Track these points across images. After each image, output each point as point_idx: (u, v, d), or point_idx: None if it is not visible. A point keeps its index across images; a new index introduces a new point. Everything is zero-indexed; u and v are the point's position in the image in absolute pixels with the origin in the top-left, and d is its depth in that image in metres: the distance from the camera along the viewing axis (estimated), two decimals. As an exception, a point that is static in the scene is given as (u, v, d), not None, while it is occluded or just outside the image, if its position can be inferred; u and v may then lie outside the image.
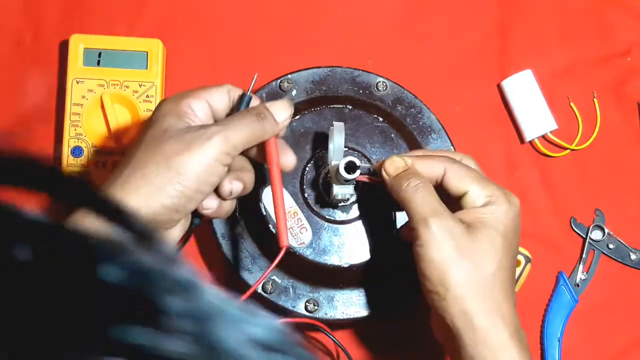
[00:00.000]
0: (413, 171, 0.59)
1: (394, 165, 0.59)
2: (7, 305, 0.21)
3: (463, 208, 0.57)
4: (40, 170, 0.25)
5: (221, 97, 0.58)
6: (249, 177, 0.59)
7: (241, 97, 0.59)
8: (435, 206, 0.56)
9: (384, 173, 0.60)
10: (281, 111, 0.58)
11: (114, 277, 0.23)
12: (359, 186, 0.66)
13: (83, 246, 0.24)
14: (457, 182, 0.58)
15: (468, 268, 0.54)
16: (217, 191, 0.57)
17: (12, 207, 0.24)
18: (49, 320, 0.21)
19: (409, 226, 0.58)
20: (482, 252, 0.55)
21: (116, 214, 0.26)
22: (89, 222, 0.25)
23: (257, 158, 0.60)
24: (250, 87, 0.59)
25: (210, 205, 0.57)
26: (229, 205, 0.59)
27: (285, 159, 0.60)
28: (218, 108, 0.58)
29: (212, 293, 0.25)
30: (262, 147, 0.58)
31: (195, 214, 0.58)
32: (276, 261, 0.56)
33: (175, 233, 0.56)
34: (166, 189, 0.53)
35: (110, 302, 0.22)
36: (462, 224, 0.56)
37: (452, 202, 0.58)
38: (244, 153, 0.58)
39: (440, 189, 0.59)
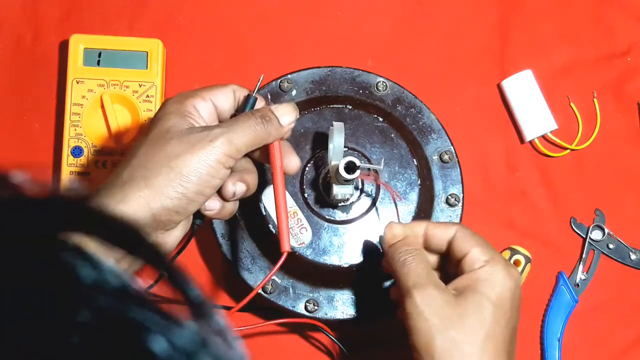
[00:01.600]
0: (408, 240, 0.59)
1: (391, 233, 0.60)
2: None
3: (461, 270, 0.57)
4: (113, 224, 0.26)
5: (226, 98, 0.58)
6: (252, 178, 0.58)
7: (246, 98, 0.58)
8: (421, 276, 0.56)
9: (383, 239, 0.61)
10: (286, 114, 0.57)
11: (161, 350, 0.23)
12: (358, 186, 0.66)
13: (141, 315, 0.24)
14: (464, 243, 0.57)
15: (453, 337, 0.53)
16: (220, 192, 0.57)
17: (84, 262, 0.24)
18: None
19: (397, 296, 0.58)
20: (469, 320, 0.54)
21: (176, 282, 0.26)
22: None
23: (261, 159, 0.60)
24: (256, 89, 0.58)
25: (213, 206, 0.56)
26: (232, 207, 0.58)
27: (289, 162, 0.59)
28: (223, 109, 0.58)
29: None
30: (265, 149, 0.58)
31: (197, 215, 0.57)
32: (277, 266, 0.57)
33: (176, 234, 0.56)
34: (167, 191, 0.52)
35: None
36: (448, 292, 0.55)
37: (453, 266, 0.59)
38: (247, 154, 0.58)
39: (447, 256, 0.59)
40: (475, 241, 0.57)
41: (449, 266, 0.60)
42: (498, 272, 0.56)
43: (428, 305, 0.54)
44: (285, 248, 0.57)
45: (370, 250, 0.66)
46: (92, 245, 0.25)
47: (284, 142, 0.60)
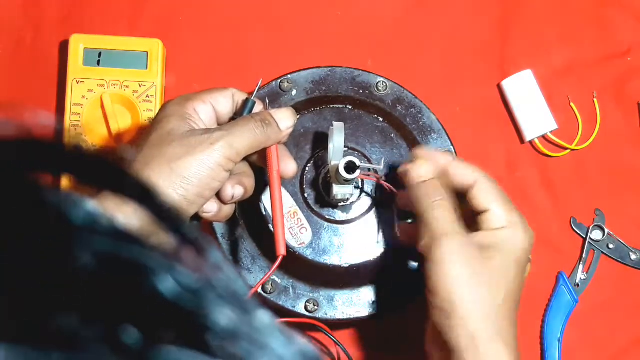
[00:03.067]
0: (437, 183, 0.58)
1: (419, 171, 0.59)
2: (64, 306, 0.21)
3: (480, 225, 0.57)
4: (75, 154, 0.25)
5: (225, 101, 0.58)
6: (250, 181, 0.59)
7: (245, 102, 0.59)
8: (453, 225, 0.56)
9: (410, 174, 0.59)
10: (285, 119, 0.58)
11: (168, 290, 0.23)
12: (358, 186, 0.66)
13: (143, 256, 0.23)
14: (484, 198, 0.57)
15: (479, 291, 0.54)
16: (218, 195, 0.57)
17: (71, 202, 0.23)
18: (97, 320, 0.21)
19: (422, 240, 0.57)
20: (495, 278, 0.55)
21: (164, 213, 0.26)
22: (124, 211, 0.25)
23: (258, 163, 0.60)
24: (255, 93, 0.59)
25: (211, 209, 0.57)
26: (229, 210, 0.59)
27: (286, 166, 0.60)
28: (222, 112, 0.58)
29: (261, 314, 0.25)
30: (263, 152, 0.59)
31: (194, 217, 0.58)
32: (272, 270, 0.57)
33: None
34: (168, 193, 0.53)
35: (163, 317, 0.22)
36: (477, 245, 0.55)
37: (470, 214, 0.58)
38: (245, 157, 0.59)
39: (461, 200, 0.58)
40: (496, 197, 0.57)
41: (464, 208, 0.59)
42: (519, 233, 0.57)
43: (460, 255, 0.54)
44: (281, 252, 0.57)
45: (370, 250, 0.66)
46: (70, 187, 0.25)
47: (281, 146, 0.60)
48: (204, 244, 0.26)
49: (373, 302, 0.67)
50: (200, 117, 0.57)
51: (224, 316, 0.23)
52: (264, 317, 0.25)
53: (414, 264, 0.66)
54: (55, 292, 0.21)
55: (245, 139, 0.55)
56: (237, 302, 0.24)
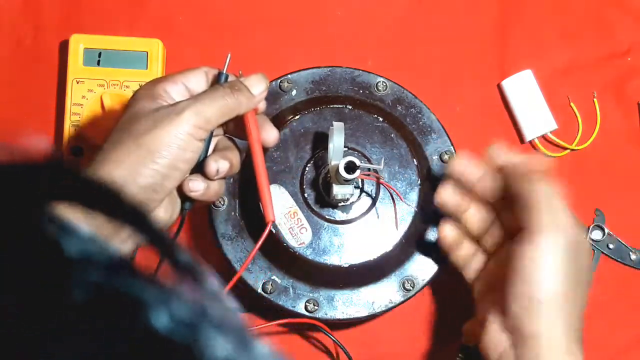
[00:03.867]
0: (539, 161, 0.59)
1: (511, 155, 0.59)
2: (59, 345, 0.21)
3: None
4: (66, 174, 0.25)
5: (198, 79, 0.57)
6: (235, 156, 0.58)
7: (217, 77, 0.58)
8: (569, 219, 0.56)
9: (501, 154, 0.59)
10: (256, 84, 0.57)
11: (163, 325, 0.22)
12: (358, 186, 0.66)
13: (136, 290, 0.23)
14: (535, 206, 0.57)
15: (570, 287, 0.55)
16: (203, 172, 0.56)
17: (66, 231, 0.23)
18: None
19: (521, 223, 0.56)
20: (581, 277, 0.57)
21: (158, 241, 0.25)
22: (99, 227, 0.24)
23: (239, 134, 0.59)
24: (225, 65, 0.58)
25: (197, 187, 0.56)
26: (217, 187, 0.57)
27: (266, 134, 0.59)
28: (195, 90, 0.57)
29: (260, 346, 0.24)
30: (241, 123, 0.57)
31: (184, 198, 0.57)
32: (262, 237, 0.56)
33: (159, 215, 0.55)
34: (139, 169, 0.52)
35: (158, 353, 0.22)
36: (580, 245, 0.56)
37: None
38: (225, 131, 0.58)
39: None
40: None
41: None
42: (584, 240, 0.58)
43: (569, 254, 0.55)
44: (270, 217, 0.56)
45: (370, 249, 0.66)
46: (67, 213, 0.24)
47: (261, 115, 0.59)
48: (200, 272, 0.25)
49: (373, 302, 0.67)
50: (172, 97, 0.56)
51: (220, 349, 0.23)
52: (262, 349, 0.24)
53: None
54: (48, 328, 0.21)
55: (215, 106, 0.54)
56: (234, 333, 0.24)
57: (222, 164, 0.56)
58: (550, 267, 0.54)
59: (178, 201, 0.57)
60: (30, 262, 0.22)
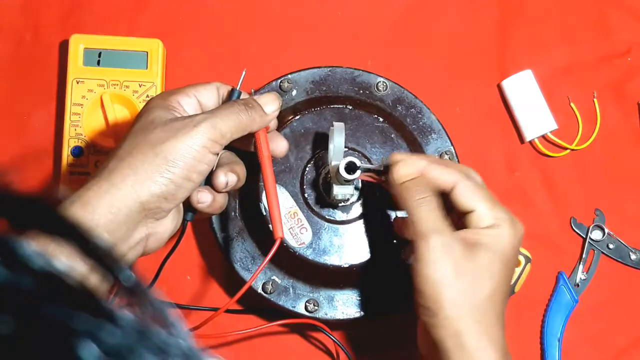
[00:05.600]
0: (421, 181, 0.58)
1: (403, 171, 0.58)
2: None
3: (467, 225, 0.57)
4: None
5: (210, 94, 0.58)
6: (241, 169, 0.59)
7: (230, 93, 0.59)
8: (438, 222, 0.56)
9: (392, 175, 0.59)
10: (270, 103, 0.58)
11: (92, 356, 0.21)
12: (359, 186, 0.66)
13: (66, 318, 0.22)
14: (467, 198, 0.57)
15: (464, 289, 0.54)
16: (211, 184, 0.57)
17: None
18: None
19: (410, 238, 0.57)
20: (480, 275, 0.54)
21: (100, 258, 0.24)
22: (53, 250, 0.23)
23: (247, 149, 0.61)
24: (240, 83, 0.59)
25: (205, 199, 0.57)
26: (222, 200, 0.58)
27: (277, 146, 0.60)
28: (207, 104, 0.58)
29: None
30: (251, 138, 0.59)
31: (189, 209, 0.58)
32: (271, 253, 0.56)
33: (166, 224, 0.55)
34: (154, 177, 0.52)
35: None
36: (462, 243, 0.55)
37: (456, 215, 0.58)
38: (234, 146, 0.59)
39: (446, 199, 0.58)
40: (479, 196, 0.57)
41: (449, 208, 0.59)
42: (506, 230, 0.56)
43: (444, 254, 0.54)
44: (279, 234, 0.57)
45: (370, 250, 0.66)
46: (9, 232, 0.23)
47: (273, 132, 0.61)
48: (144, 291, 0.25)
49: (373, 302, 0.67)
50: (185, 109, 0.57)
51: None
52: None
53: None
54: None
55: (230, 121, 0.55)
56: (179, 355, 0.23)
57: (230, 178, 0.57)
58: (431, 274, 0.54)
59: (182, 211, 0.58)
60: None
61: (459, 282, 0.54)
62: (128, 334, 0.23)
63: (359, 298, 0.67)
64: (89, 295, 0.23)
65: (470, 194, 0.57)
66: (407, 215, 0.57)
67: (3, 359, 0.21)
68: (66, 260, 0.23)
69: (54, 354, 0.21)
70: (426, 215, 0.56)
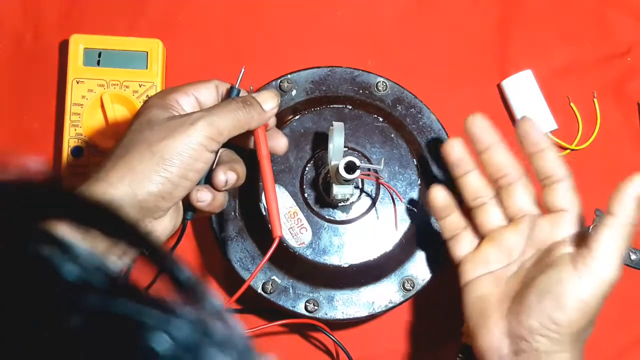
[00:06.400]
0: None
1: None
2: None
3: (552, 227, 0.59)
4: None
5: (209, 92, 0.58)
6: (241, 167, 0.59)
7: (229, 90, 0.59)
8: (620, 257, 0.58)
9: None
10: (268, 100, 0.58)
11: (164, 348, 0.22)
12: (358, 186, 0.66)
13: (137, 313, 0.23)
14: (569, 196, 0.60)
15: (588, 326, 0.57)
16: (211, 183, 0.57)
17: (63, 253, 0.22)
18: None
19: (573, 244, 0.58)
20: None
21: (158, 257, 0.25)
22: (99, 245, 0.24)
23: (247, 147, 0.61)
24: (238, 80, 0.59)
25: (204, 197, 0.56)
26: (222, 199, 0.58)
27: (277, 143, 0.60)
28: (205, 102, 0.58)
29: None
30: (250, 136, 0.58)
31: (188, 207, 0.57)
32: (270, 252, 0.56)
33: (164, 222, 0.55)
34: (151, 176, 0.52)
35: None
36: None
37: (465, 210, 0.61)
38: (233, 144, 0.58)
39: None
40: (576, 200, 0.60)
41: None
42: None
43: (605, 291, 0.57)
44: (277, 233, 0.56)
45: (370, 250, 0.66)
46: (65, 231, 0.24)
47: (273, 128, 0.61)
48: (201, 289, 0.25)
49: (373, 302, 0.67)
50: (183, 108, 0.56)
51: None
52: None
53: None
54: (46, 355, 0.21)
55: (227, 118, 0.55)
56: (237, 353, 0.24)
57: (230, 176, 0.57)
58: (590, 302, 0.55)
59: (181, 210, 0.57)
60: (27, 286, 0.22)
61: (594, 315, 0.56)
62: (194, 329, 0.23)
63: (359, 298, 0.67)
64: (152, 292, 0.24)
65: (572, 193, 0.59)
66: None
67: (81, 353, 0.21)
68: (116, 258, 0.24)
69: (129, 347, 0.22)
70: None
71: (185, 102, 0.57)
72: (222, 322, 0.25)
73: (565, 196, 0.58)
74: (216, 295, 0.25)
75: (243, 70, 0.60)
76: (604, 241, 0.55)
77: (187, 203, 0.57)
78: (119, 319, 0.22)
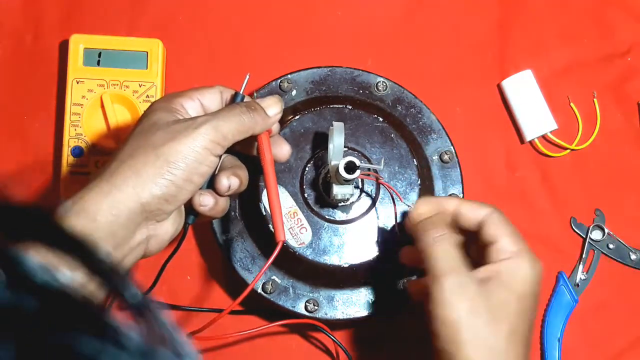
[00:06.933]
0: (439, 219, 0.58)
1: (421, 209, 0.59)
2: None
3: (487, 259, 0.56)
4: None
5: (213, 97, 0.58)
6: (244, 173, 0.59)
7: (234, 96, 0.59)
8: (452, 262, 0.55)
9: (410, 214, 0.60)
10: (272, 106, 0.58)
11: None
12: (358, 186, 0.66)
13: (70, 341, 0.21)
14: (492, 229, 0.57)
15: (480, 329, 0.53)
16: (214, 188, 0.57)
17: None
18: None
19: (425, 281, 0.56)
20: (495, 314, 0.54)
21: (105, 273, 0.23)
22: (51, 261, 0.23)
23: (250, 152, 0.61)
24: (243, 87, 0.59)
25: (207, 202, 0.57)
26: (224, 203, 0.58)
27: (280, 150, 0.61)
28: (210, 107, 0.58)
29: None
30: (254, 141, 0.59)
31: (190, 212, 0.58)
32: (273, 256, 0.56)
33: (167, 226, 0.55)
34: (155, 179, 0.52)
35: None
36: (478, 280, 0.54)
37: (480, 248, 0.58)
38: (236, 150, 0.59)
39: (474, 236, 0.58)
40: (505, 229, 0.57)
41: (473, 247, 0.59)
42: (524, 265, 0.55)
43: (458, 294, 0.54)
44: (280, 237, 0.57)
45: (370, 250, 0.66)
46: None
47: (276, 136, 0.61)
48: (151, 308, 0.24)
49: (373, 302, 0.67)
50: (188, 112, 0.57)
51: None
52: None
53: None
54: None
55: (232, 123, 0.55)
56: None
57: (233, 181, 0.57)
58: (447, 317, 0.53)
59: (183, 213, 0.58)
60: None
61: (475, 322, 0.53)
62: (133, 357, 0.22)
63: (358, 298, 0.67)
64: (94, 313, 0.23)
65: (497, 225, 0.57)
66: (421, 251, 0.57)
67: None
68: (68, 272, 0.23)
69: None
70: (442, 255, 0.55)
71: (190, 106, 0.57)
72: (172, 345, 0.23)
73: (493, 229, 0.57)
74: (166, 314, 0.24)
75: (248, 77, 0.60)
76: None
77: (189, 207, 0.57)
78: (52, 348, 0.21)
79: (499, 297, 0.54)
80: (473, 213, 0.58)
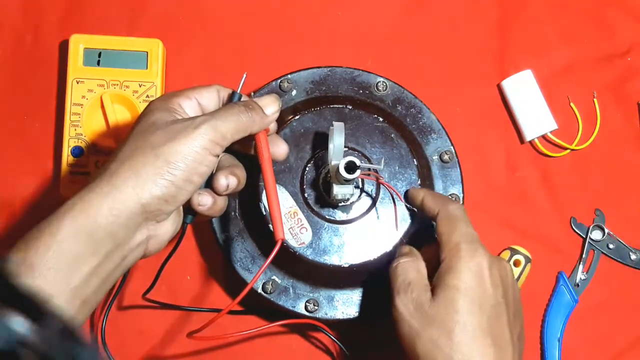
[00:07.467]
0: (405, 251, 0.62)
1: (399, 252, 0.63)
2: None
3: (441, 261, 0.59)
4: None
5: (210, 96, 0.58)
6: (241, 172, 0.59)
7: (231, 96, 0.59)
8: (405, 281, 0.58)
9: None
10: (270, 105, 0.59)
11: None
12: (359, 186, 0.66)
13: None
14: (439, 228, 0.59)
15: (431, 337, 0.55)
16: (212, 187, 0.57)
17: None
18: None
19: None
20: (440, 315, 0.55)
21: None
22: None
23: (248, 151, 0.61)
24: (240, 86, 0.59)
25: (205, 201, 0.57)
26: (223, 203, 0.58)
27: (277, 149, 0.61)
28: (207, 107, 0.58)
29: None
30: (251, 140, 0.59)
31: (189, 211, 0.58)
32: (272, 255, 0.56)
33: (166, 226, 0.55)
34: (155, 179, 0.52)
35: None
36: (427, 292, 0.57)
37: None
38: (234, 149, 0.59)
39: None
40: (447, 227, 0.59)
41: None
42: (459, 261, 0.56)
43: (406, 309, 0.57)
44: (280, 236, 0.56)
45: (371, 250, 0.66)
46: None
47: (274, 135, 0.61)
48: (79, 344, 0.24)
49: (373, 303, 0.67)
50: (186, 112, 0.57)
51: None
52: None
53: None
54: None
55: (230, 122, 0.55)
56: None
57: (231, 180, 0.57)
58: (403, 332, 0.57)
59: (182, 214, 0.58)
60: None
61: (425, 331, 0.55)
62: None
63: (359, 298, 0.67)
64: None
65: (441, 223, 0.60)
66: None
67: None
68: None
69: None
70: (397, 278, 0.59)
71: (188, 106, 0.57)
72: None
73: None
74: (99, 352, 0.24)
75: (245, 76, 0.60)
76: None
77: (188, 207, 0.57)
78: None
79: (443, 298, 0.56)
80: (429, 208, 0.62)
